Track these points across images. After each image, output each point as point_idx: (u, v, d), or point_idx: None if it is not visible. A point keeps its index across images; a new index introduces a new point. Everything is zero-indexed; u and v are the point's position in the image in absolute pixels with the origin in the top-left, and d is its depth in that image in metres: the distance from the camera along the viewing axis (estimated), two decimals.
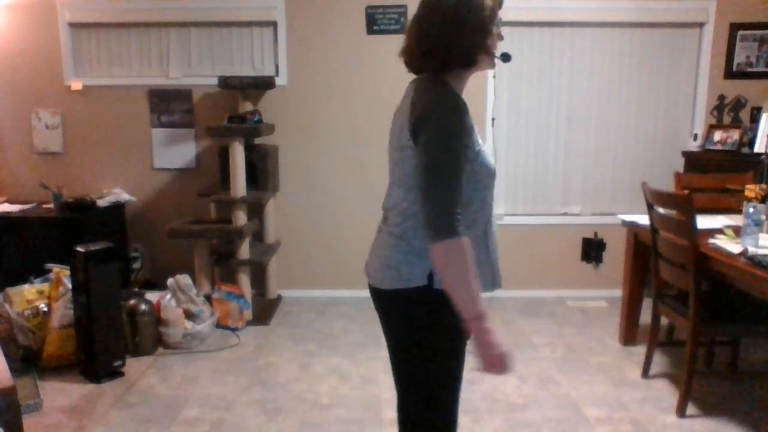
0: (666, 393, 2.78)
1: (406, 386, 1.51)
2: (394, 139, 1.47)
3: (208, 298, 3.56)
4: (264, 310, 3.86)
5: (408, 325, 1.44)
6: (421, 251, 1.39)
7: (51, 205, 3.82)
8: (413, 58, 1.45)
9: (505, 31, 4.14)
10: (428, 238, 1.29)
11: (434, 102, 1.35)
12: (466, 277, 1.27)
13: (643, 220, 2.98)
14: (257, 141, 3.95)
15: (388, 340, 1.53)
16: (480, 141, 1.42)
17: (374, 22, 3.93)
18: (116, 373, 2.94)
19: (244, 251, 3.62)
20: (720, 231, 2.70)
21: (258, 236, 4.05)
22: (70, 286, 2.97)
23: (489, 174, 1.42)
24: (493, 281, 1.48)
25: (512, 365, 1.35)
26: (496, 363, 1.31)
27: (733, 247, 2.42)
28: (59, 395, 2.76)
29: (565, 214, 4.19)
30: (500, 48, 1.49)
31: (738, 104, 4.00)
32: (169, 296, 3.32)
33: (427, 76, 1.44)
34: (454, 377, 1.47)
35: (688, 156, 4.04)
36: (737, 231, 2.64)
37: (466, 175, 1.33)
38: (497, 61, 1.50)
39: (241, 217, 3.57)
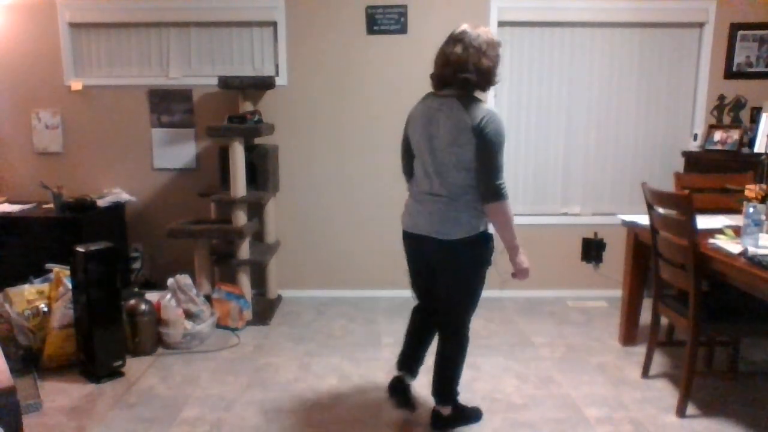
0: (666, 393, 2.78)
1: (453, 298, 2.32)
2: (448, 139, 2.16)
3: (208, 298, 3.56)
4: (264, 310, 3.86)
5: (467, 259, 2.26)
6: (480, 212, 2.23)
7: (51, 205, 3.82)
8: (449, 81, 2.18)
9: (505, 31, 4.15)
10: (491, 200, 2.15)
11: (489, 113, 2.13)
12: (511, 224, 2.22)
13: (643, 220, 2.98)
14: (257, 141, 3.95)
15: (447, 272, 2.28)
16: None
17: (374, 22, 3.93)
18: (116, 373, 2.95)
19: (244, 251, 3.62)
20: (720, 231, 2.70)
21: (258, 236, 4.05)
22: (70, 286, 2.97)
23: None
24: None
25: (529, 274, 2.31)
26: (523, 272, 2.29)
27: (733, 247, 2.42)
28: (59, 395, 2.76)
29: (565, 214, 4.19)
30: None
31: (738, 104, 4.00)
32: (169, 296, 3.32)
33: (464, 95, 2.17)
34: (480, 287, 2.34)
35: (688, 156, 4.04)
36: (737, 231, 2.64)
37: None
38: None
39: (241, 217, 3.57)
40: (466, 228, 2.21)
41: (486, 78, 2.16)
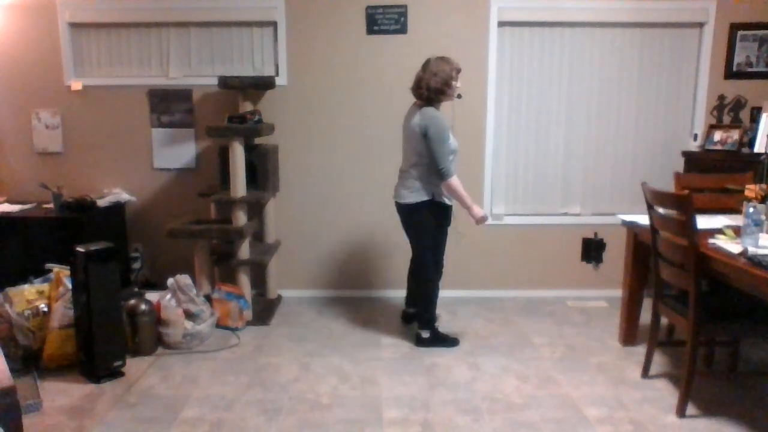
0: (666, 393, 2.78)
1: (416, 245, 3.23)
2: (409, 133, 3.13)
3: (208, 298, 3.56)
4: (264, 310, 3.86)
5: (419, 219, 3.16)
6: (427, 184, 3.11)
7: (51, 205, 3.82)
8: (415, 94, 3.15)
9: (505, 31, 4.15)
10: (441, 179, 3.05)
11: (433, 118, 3.03)
12: (461, 193, 3.07)
13: (643, 220, 2.99)
14: (257, 141, 3.95)
15: (409, 228, 3.24)
16: (450, 134, 3.05)
17: (374, 22, 3.93)
18: (116, 373, 2.95)
19: (244, 251, 3.62)
20: (720, 231, 2.70)
21: (258, 236, 4.05)
22: (70, 286, 2.97)
23: (452, 151, 3.08)
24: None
25: (487, 218, 3.20)
26: (479, 219, 3.14)
27: (733, 247, 2.42)
28: (59, 395, 2.76)
29: (565, 214, 4.19)
30: (460, 88, 3.16)
31: (738, 104, 4.00)
32: (169, 296, 3.32)
33: (422, 104, 3.11)
34: (433, 238, 3.22)
35: (688, 156, 4.04)
36: (737, 231, 2.64)
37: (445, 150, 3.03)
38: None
39: (241, 217, 3.57)
40: (414, 196, 3.13)
41: (434, 94, 3.04)
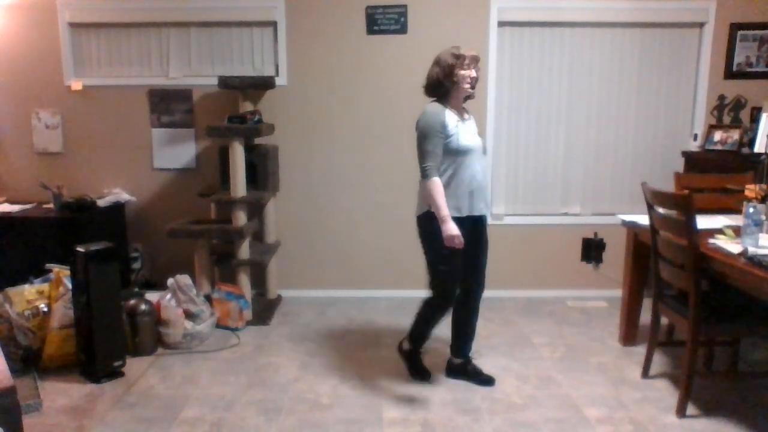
0: (666, 393, 2.78)
1: (427, 267, 2.73)
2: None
3: (208, 298, 3.56)
4: (264, 310, 3.86)
5: (424, 234, 2.70)
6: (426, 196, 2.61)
7: (51, 205, 3.82)
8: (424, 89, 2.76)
9: (505, 31, 4.15)
10: (421, 179, 2.59)
11: (425, 110, 2.63)
12: (437, 201, 2.53)
13: (643, 220, 2.98)
14: (257, 141, 3.95)
15: (421, 244, 2.73)
16: (455, 130, 2.59)
17: (374, 22, 3.93)
18: (116, 373, 2.94)
19: (244, 251, 3.62)
20: (720, 231, 2.70)
21: (258, 236, 4.05)
22: (70, 286, 2.97)
23: (458, 149, 2.59)
24: (470, 207, 2.66)
25: (460, 242, 2.52)
26: (447, 239, 2.52)
27: (733, 247, 2.42)
28: (59, 395, 2.76)
29: (565, 214, 4.19)
30: (473, 80, 2.67)
31: (738, 104, 4.00)
32: (169, 296, 3.32)
33: (431, 98, 2.74)
34: (447, 260, 2.64)
35: (688, 156, 4.04)
36: (737, 231, 2.64)
37: (440, 148, 2.58)
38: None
39: (241, 217, 3.57)
40: (420, 205, 2.70)
41: (432, 84, 2.67)
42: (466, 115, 2.74)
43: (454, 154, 2.59)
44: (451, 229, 2.51)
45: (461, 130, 2.61)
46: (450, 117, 2.60)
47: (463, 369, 2.92)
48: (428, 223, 2.62)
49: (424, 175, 2.56)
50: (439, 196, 2.53)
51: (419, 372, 2.94)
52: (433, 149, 2.56)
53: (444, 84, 2.63)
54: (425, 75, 2.71)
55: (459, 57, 2.60)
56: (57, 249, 3.50)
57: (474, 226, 2.70)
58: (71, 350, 2.99)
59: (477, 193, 2.66)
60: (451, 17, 3.93)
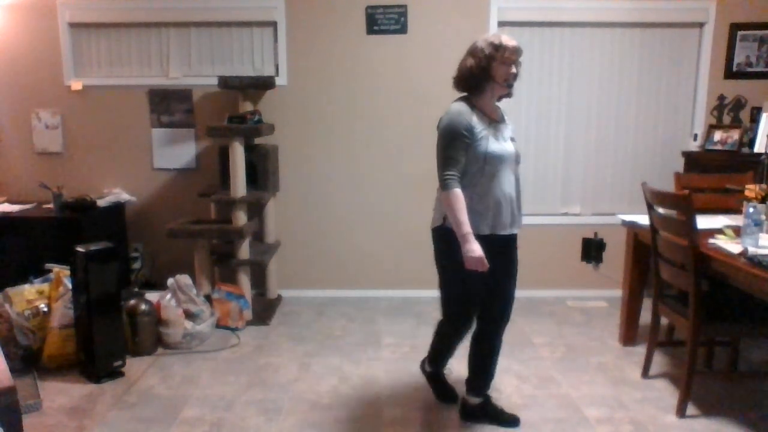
0: (666, 393, 2.78)
1: (439, 287, 2.42)
2: None
3: (208, 298, 3.56)
4: (264, 310, 3.86)
5: (437, 249, 2.38)
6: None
7: (51, 205, 3.82)
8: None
9: (505, 31, 4.16)
10: (441, 189, 2.22)
11: (449, 110, 2.25)
12: (455, 213, 2.16)
13: (643, 220, 2.98)
14: (257, 141, 3.95)
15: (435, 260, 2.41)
16: (483, 134, 2.20)
17: (374, 22, 3.93)
18: (116, 373, 2.94)
19: (244, 251, 3.62)
20: (720, 231, 2.70)
21: (258, 236, 4.05)
22: (70, 286, 2.97)
23: (486, 156, 2.20)
24: (493, 225, 2.28)
25: (485, 265, 2.17)
26: (469, 260, 2.16)
27: (733, 247, 2.42)
28: (59, 395, 2.76)
29: (565, 214, 4.19)
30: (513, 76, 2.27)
31: (738, 104, 4.00)
32: (169, 296, 3.32)
33: (460, 95, 2.33)
34: (462, 281, 2.31)
35: (688, 156, 4.04)
36: (737, 231, 2.64)
37: (464, 155, 2.20)
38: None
39: (241, 217, 3.57)
40: (436, 218, 2.35)
41: (463, 77, 2.26)
42: (499, 117, 2.34)
43: (481, 162, 2.19)
44: (474, 250, 2.14)
45: (491, 134, 2.22)
46: (478, 118, 2.22)
47: (482, 410, 2.51)
48: (445, 237, 2.27)
49: (444, 185, 2.18)
50: (459, 211, 2.14)
51: (443, 395, 2.69)
52: (454, 155, 2.18)
53: (477, 78, 2.22)
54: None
55: (499, 48, 2.18)
56: (57, 249, 3.50)
57: (503, 247, 2.34)
58: (71, 350, 2.99)
59: (505, 209, 2.27)
60: (451, 17, 3.93)
